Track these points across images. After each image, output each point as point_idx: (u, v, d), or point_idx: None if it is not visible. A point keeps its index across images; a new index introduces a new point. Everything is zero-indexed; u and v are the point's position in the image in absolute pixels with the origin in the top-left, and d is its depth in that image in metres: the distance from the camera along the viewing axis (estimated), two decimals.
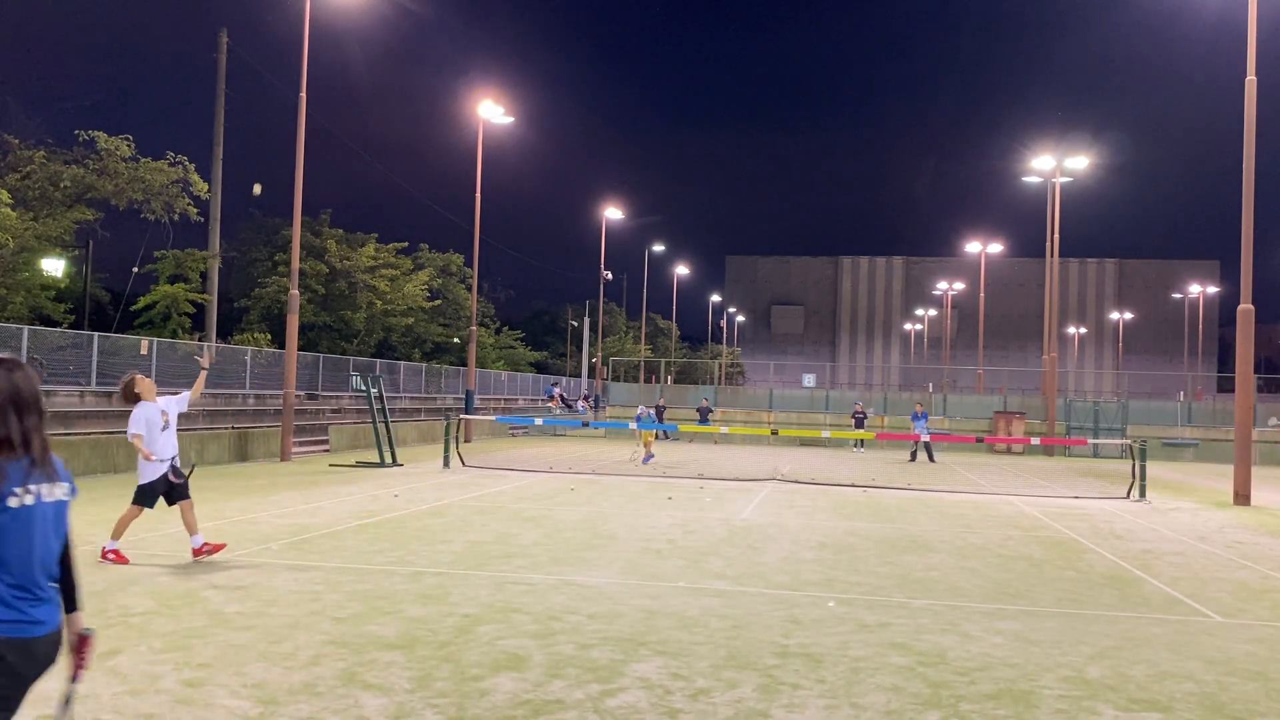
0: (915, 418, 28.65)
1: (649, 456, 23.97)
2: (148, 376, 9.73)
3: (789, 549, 10.94)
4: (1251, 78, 18.73)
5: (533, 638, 6.62)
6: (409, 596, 7.80)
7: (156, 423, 9.03)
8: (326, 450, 25.00)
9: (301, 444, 24.11)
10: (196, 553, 9.09)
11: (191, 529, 9.14)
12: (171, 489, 9.11)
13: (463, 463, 21.50)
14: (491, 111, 32.84)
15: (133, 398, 9.05)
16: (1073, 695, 5.71)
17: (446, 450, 21.27)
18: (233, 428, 22.22)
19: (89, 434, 17.96)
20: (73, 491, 3.08)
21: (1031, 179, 40.18)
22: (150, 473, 9.04)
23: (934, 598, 8.45)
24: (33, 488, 2.91)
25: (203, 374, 10.12)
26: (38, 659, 2.92)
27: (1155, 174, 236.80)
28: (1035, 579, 9.56)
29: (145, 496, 9.08)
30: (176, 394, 9.62)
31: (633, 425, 24.92)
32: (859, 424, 32.95)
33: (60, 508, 3.02)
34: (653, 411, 26.04)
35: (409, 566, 9.13)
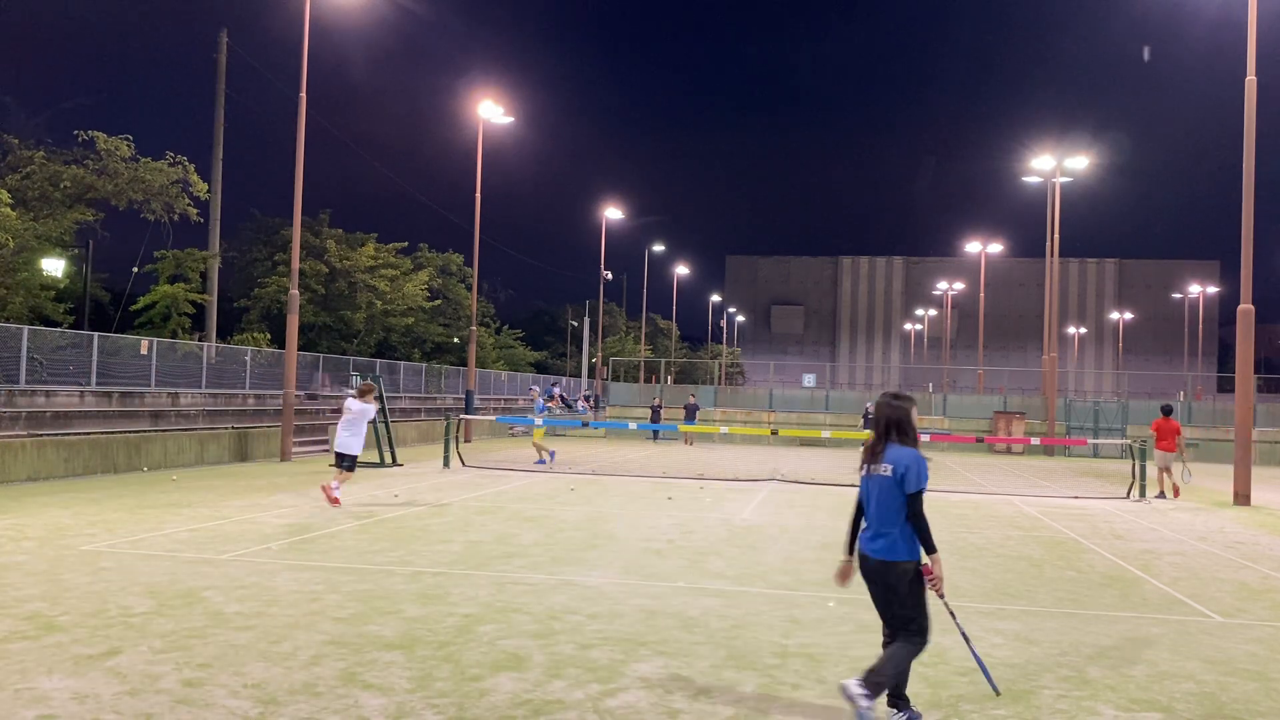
0: None
1: (542, 460, 22.28)
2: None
3: (789, 549, 10.94)
4: (1251, 78, 18.72)
5: (533, 638, 6.62)
6: (409, 596, 7.80)
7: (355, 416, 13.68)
8: (327, 450, 24.98)
9: (301, 444, 24.11)
10: (334, 499, 13.27)
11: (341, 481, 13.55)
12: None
13: (463, 463, 21.49)
14: (491, 111, 32.83)
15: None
16: (1073, 695, 5.71)
17: (446, 450, 21.27)
18: (233, 428, 22.22)
19: (89, 434, 17.95)
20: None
21: (1031, 179, 40.15)
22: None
23: (934, 598, 8.43)
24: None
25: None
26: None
27: (1155, 174, 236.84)
28: (1035, 579, 9.56)
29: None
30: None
31: (538, 421, 22.84)
32: (868, 424, 32.93)
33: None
34: (547, 395, 24.75)
35: (409, 566, 9.13)
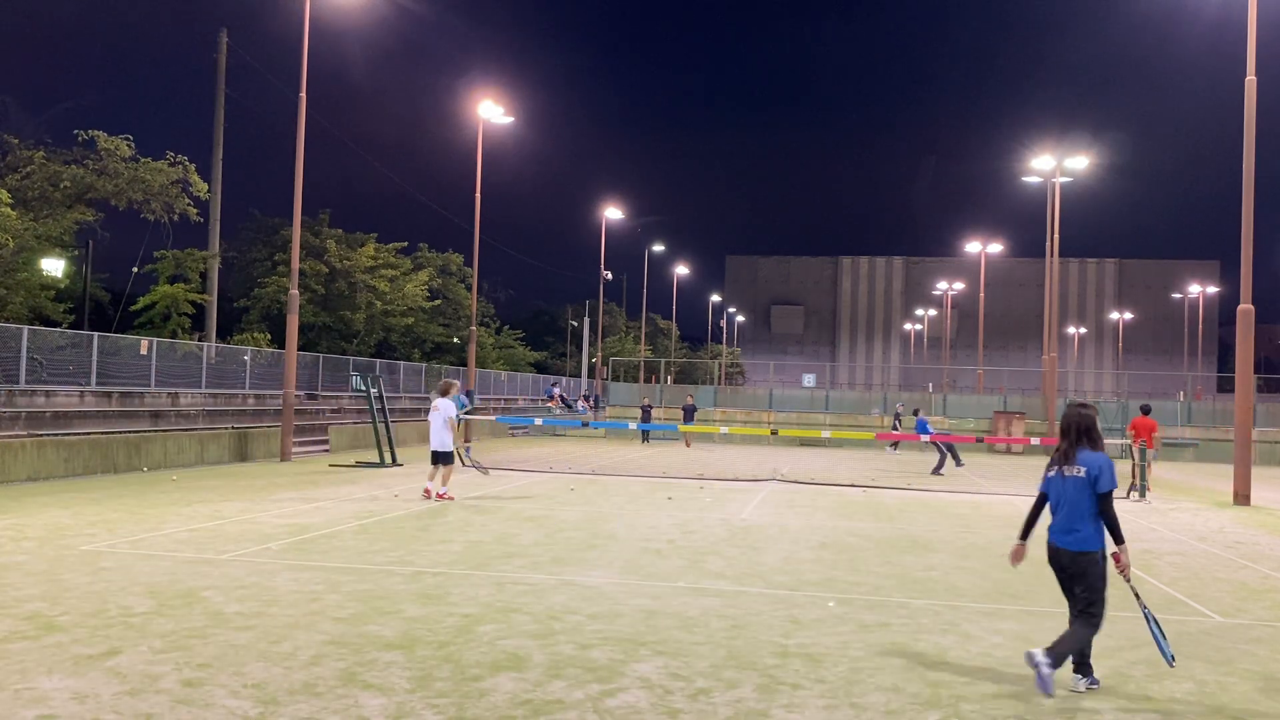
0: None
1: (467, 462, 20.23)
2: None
3: (789, 549, 10.94)
4: (1251, 78, 18.72)
5: (533, 638, 6.62)
6: (409, 596, 7.80)
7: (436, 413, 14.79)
8: (326, 450, 24.99)
9: (301, 444, 24.11)
10: (440, 495, 14.57)
11: (444, 481, 14.72)
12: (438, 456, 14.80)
13: (463, 463, 21.44)
14: (491, 111, 32.78)
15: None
16: (1073, 695, 5.71)
17: None
18: (233, 428, 22.22)
19: (89, 434, 17.95)
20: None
21: (1031, 179, 40.14)
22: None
23: (934, 598, 8.45)
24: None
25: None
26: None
27: (1155, 174, 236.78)
28: (1035, 579, 9.53)
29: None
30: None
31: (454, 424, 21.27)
32: (897, 425, 32.97)
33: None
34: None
35: (409, 566, 9.13)
